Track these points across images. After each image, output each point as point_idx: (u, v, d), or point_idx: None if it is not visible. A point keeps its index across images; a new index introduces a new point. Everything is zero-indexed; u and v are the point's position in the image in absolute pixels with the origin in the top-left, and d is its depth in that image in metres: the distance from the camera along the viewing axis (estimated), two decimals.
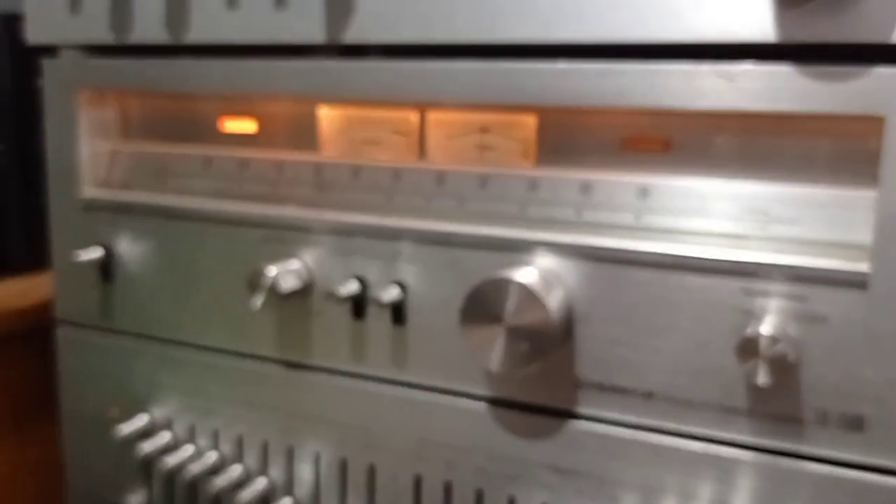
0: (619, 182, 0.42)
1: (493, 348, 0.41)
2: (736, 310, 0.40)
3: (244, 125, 0.52)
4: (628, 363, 0.42)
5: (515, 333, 0.41)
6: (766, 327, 0.38)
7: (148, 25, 0.51)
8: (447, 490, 0.47)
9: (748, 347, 0.38)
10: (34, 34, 0.56)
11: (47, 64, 0.56)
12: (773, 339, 0.37)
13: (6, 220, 0.69)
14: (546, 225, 0.44)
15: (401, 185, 0.48)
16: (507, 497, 0.46)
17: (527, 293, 0.41)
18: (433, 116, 0.47)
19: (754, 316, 0.39)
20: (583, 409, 0.44)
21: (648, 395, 0.42)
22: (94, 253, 0.54)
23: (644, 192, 0.42)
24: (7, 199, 0.69)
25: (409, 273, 0.47)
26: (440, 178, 0.47)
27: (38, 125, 0.58)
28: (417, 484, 0.48)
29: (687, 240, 0.41)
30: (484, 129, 0.46)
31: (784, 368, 0.37)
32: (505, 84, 0.43)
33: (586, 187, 0.43)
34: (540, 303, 0.40)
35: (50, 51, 0.56)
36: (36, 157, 0.68)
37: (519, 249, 0.44)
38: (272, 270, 0.47)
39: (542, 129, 0.44)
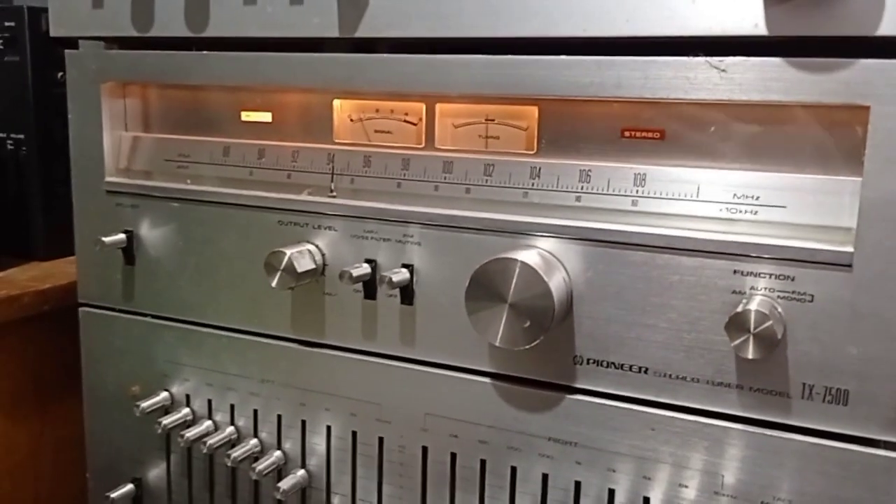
0: (617, 169, 0.45)
1: (497, 326, 0.44)
2: (726, 289, 0.42)
3: (261, 116, 0.55)
4: (624, 340, 0.44)
5: (518, 311, 0.43)
6: (755, 305, 0.40)
7: (169, 20, 0.53)
8: (452, 461, 0.50)
9: (738, 324, 0.40)
10: (57, 27, 0.58)
11: (70, 55, 0.58)
12: (762, 317, 0.39)
13: (28, 208, 0.72)
14: (547, 210, 0.46)
15: (409, 172, 0.50)
16: (509, 467, 0.48)
17: (529, 273, 0.43)
18: (440, 107, 0.49)
19: (744, 295, 0.41)
20: (581, 384, 0.46)
21: (643, 371, 0.44)
22: (117, 237, 0.57)
23: (640, 179, 0.44)
24: (29, 186, 0.71)
25: (417, 255, 0.49)
26: (447, 165, 0.49)
27: (59, 115, 0.60)
28: (424, 455, 0.51)
29: (681, 223, 0.43)
30: (489, 119, 0.48)
31: (772, 345, 0.39)
32: (509, 77, 0.45)
33: (585, 174, 0.45)
34: (541, 282, 0.43)
35: (71, 42, 0.58)
36: (57, 146, 0.70)
37: (522, 233, 0.46)
38: (288, 252, 0.49)
39: (544, 120, 0.47)
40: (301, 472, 0.54)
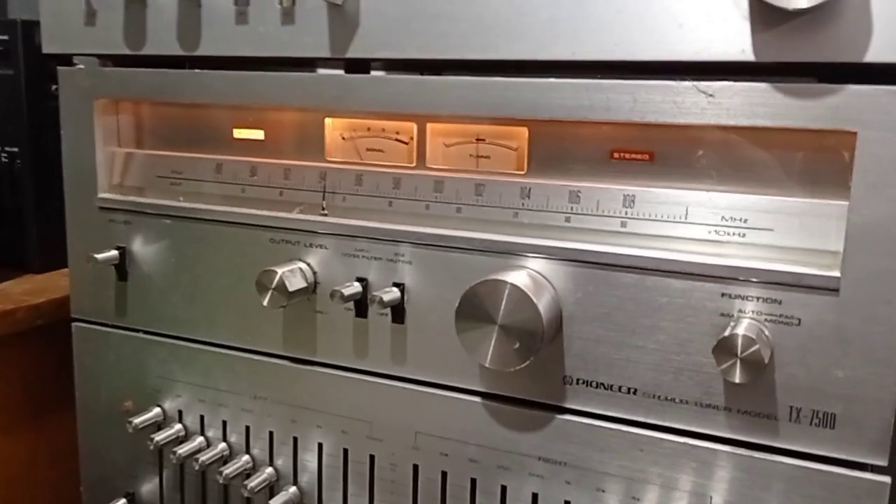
0: (606, 190, 0.45)
1: (487, 346, 0.44)
2: (715, 312, 0.42)
3: (253, 133, 0.55)
4: (614, 361, 0.45)
5: (507, 332, 0.43)
6: (742, 329, 0.40)
7: (161, 38, 0.53)
8: (443, 479, 0.50)
9: (725, 349, 0.40)
10: (49, 43, 0.58)
11: (63, 72, 0.58)
12: (750, 341, 0.40)
13: (23, 220, 0.72)
14: (537, 230, 0.46)
15: (401, 190, 0.50)
16: (499, 486, 0.48)
17: (518, 294, 0.43)
18: (432, 127, 0.49)
19: (732, 318, 0.42)
20: (570, 404, 0.46)
21: (632, 392, 0.45)
22: (109, 254, 0.57)
23: (629, 200, 0.44)
24: (23, 200, 0.71)
25: (408, 274, 0.49)
26: (438, 184, 0.49)
27: (53, 127, 0.60)
28: (415, 473, 0.51)
29: (669, 245, 0.43)
30: (479, 139, 0.48)
31: (759, 369, 0.40)
32: (499, 98, 0.45)
33: (575, 195, 0.46)
34: (530, 304, 0.43)
35: (64, 56, 0.59)
36: (50, 159, 0.70)
37: (511, 253, 0.46)
38: (279, 271, 0.49)
39: (534, 140, 0.47)
40: (293, 488, 0.54)
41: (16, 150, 0.71)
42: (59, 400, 0.69)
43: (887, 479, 0.40)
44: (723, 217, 0.43)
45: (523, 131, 0.47)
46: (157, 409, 0.58)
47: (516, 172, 0.47)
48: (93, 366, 0.61)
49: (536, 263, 0.46)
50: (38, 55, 0.67)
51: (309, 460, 0.54)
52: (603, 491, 0.46)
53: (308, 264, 0.52)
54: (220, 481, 0.54)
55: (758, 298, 0.41)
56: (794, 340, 0.41)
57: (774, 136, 0.41)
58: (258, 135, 0.55)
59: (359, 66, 0.50)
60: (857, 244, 0.39)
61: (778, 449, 0.42)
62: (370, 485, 0.52)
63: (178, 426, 0.58)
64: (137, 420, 0.57)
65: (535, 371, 0.46)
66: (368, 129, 0.51)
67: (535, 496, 0.48)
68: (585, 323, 0.45)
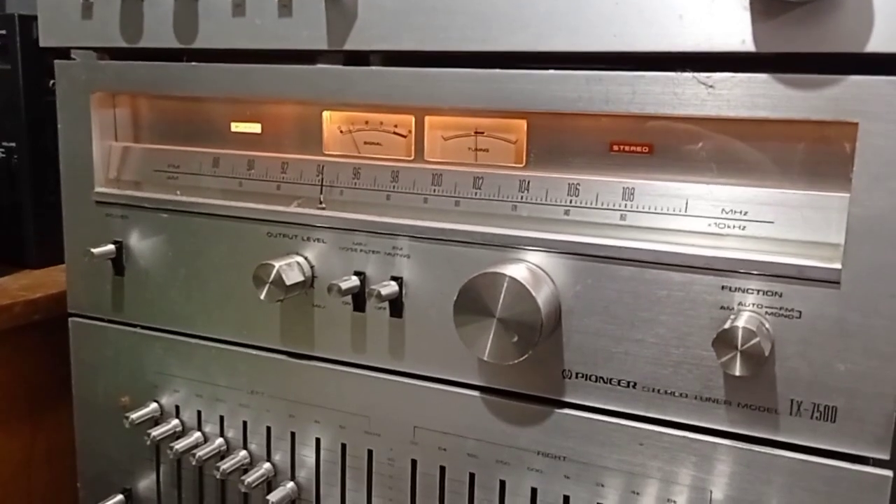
0: (606, 183, 0.45)
1: (485, 340, 0.44)
2: (715, 305, 0.42)
3: (250, 127, 0.54)
4: (613, 355, 0.44)
5: (506, 326, 0.43)
6: (742, 321, 0.40)
7: (158, 31, 0.53)
8: (441, 474, 0.50)
9: (725, 341, 0.40)
10: (46, 37, 0.58)
11: (60, 65, 0.58)
12: (750, 333, 0.39)
13: (20, 216, 0.72)
14: (536, 223, 0.46)
15: (399, 184, 0.50)
16: (498, 481, 0.48)
17: (517, 288, 0.43)
18: (430, 120, 0.49)
19: (732, 311, 0.41)
20: (570, 398, 0.46)
21: (632, 385, 0.44)
22: (106, 248, 0.57)
23: (629, 193, 0.44)
24: (20, 195, 0.71)
25: (406, 268, 0.49)
26: (436, 177, 0.49)
27: (50, 122, 0.60)
28: (413, 468, 0.50)
29: (669, 238, 0.43)
30: (478, 132, 0.48)
31: (759, 362, 0.39)
32: (498, 91, 0.45)
33: (574, 188, 0.45)
34: (529, 297, 0.43)
35: (61, 51, 0.58)
36: (48, 154, 0.70)
37: (510, 246, 0.46)
38: (276, 265, 0.49)
39: (533, 133, 0.46)
40: (290, 484, 0.54)
41: (13, 145, 0.70)
42: (55, 396, 0.68)
43: (889, 473, 0.40)
44: (723, 209, 0.42)
45: (522, 124, 0.47)
46: (154, 405, 0.58)
47: (515, 165, 0.47)
48: (90, 361, 0.61)
49: (535, 256, 0.45)
50: (35, 50, 0.67)
51: (307, 455, 0.54)
52: (602, 485, 0.45)
53: (305, 258, 0.51)
54: (218, 476, 0.54)
55: (758, 291, 0.41)
56: (795, 333, 0.40)
57: (775, 127, 0.41)
58: (255, 128, 0.54)
59: (357, 58, 0.50)
60: (859, 236, 0.39)
61: (779, 443, 0.42)
62: (368, 480, 0.52)
63: (176, 421, 0.58)
64: (134, 415, 0.57)
65: (533, 365, 0.46)
66: (366, 122, 0.51)
67: (534, 491, 0.47)
68: (584, 316, 0.45)
